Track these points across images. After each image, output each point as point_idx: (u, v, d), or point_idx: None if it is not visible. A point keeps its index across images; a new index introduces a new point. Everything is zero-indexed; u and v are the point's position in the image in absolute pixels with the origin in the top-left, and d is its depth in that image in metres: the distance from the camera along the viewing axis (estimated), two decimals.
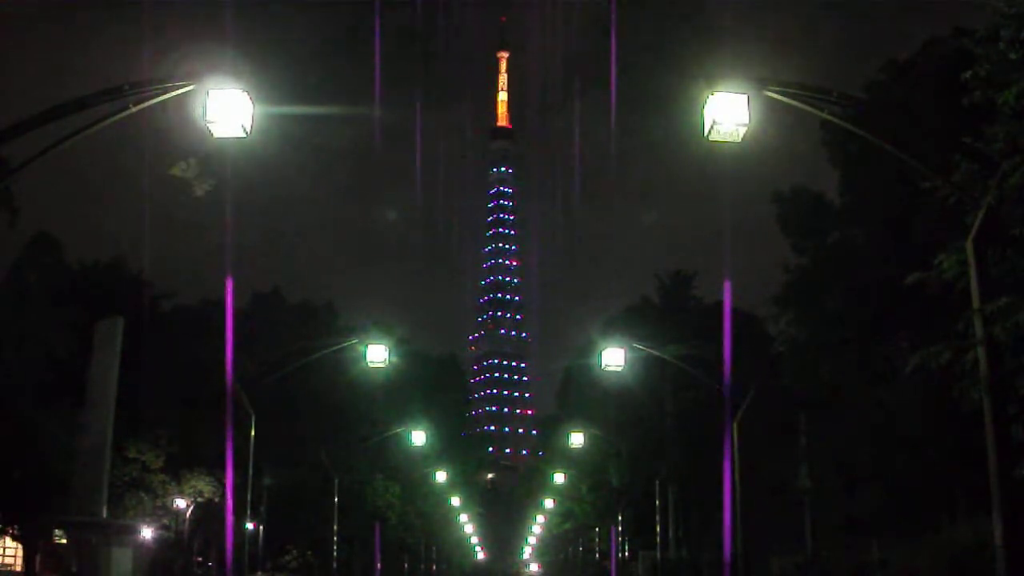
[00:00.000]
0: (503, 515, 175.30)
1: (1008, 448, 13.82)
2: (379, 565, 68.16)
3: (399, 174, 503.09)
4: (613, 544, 70.23)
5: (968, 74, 14.72)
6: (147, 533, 42.58)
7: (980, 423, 14.23)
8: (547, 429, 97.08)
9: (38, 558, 37.53)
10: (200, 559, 49.49)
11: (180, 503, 43.37)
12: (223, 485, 39.13)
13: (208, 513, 45.20)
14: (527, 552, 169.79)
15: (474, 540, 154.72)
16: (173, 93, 13.28)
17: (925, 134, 17.26)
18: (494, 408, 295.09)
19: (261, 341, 42.18)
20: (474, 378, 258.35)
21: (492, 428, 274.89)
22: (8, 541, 39.77)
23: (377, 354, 31.89)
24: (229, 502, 34.59)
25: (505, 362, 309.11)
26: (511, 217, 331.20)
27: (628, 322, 50.31)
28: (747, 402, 30.64)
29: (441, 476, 73.67)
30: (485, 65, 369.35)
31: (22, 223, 35.02)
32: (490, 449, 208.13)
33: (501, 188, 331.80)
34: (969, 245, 14.21)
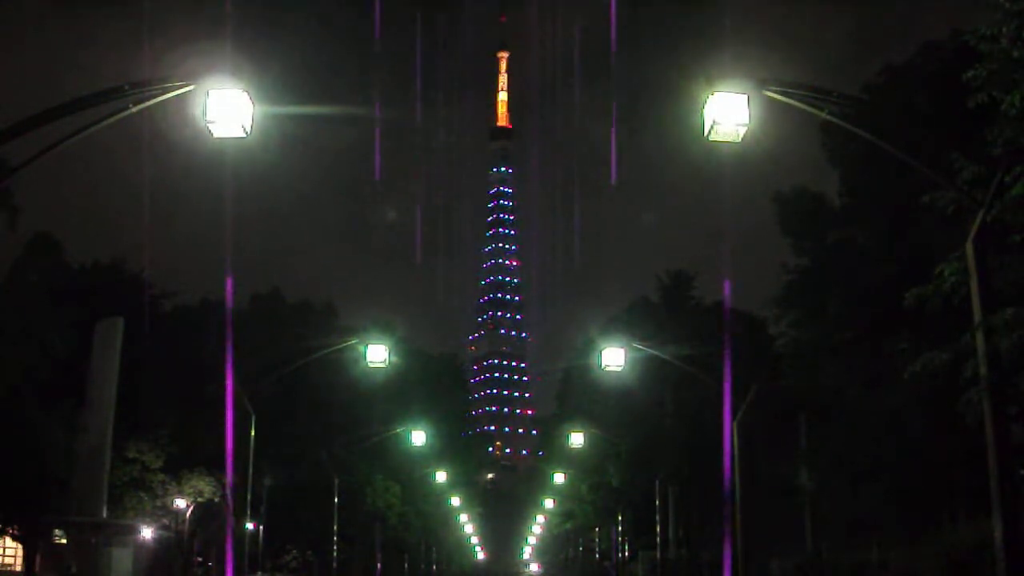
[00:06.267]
0: (503, 515, 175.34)
1: (1008, 448, 13.82)
2: (379, 565, 68.17)
3: (399, 174, 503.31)
4: (613, 544, 70.30)
5: (970, 74, 14.69)
6: (147, 533, 42.56)
7: (981, 424, 14.24)
8: (547, 429, 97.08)
9: (38, 558, 37.54)
10: (200, 559, 49.47)
11: (180, 503, 43.33)
12: (223, 485, 39.10)
13: (208, 513, 45.16)
14: (527, 552, 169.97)
15: (474, 540, 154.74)
16: (173, 93, 13.27)
17: (924, 135, 17.27)
18: (494, 408, 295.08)
19: (261, 341, 42.16)
20: (474, 378, 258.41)
21: (492, 428, 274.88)
22: (8, 541, 39.77)
23: (377, 354, 31.86)
24: (229, 502, 34.59)
25: (505, 362, 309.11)
26: (511, 217, 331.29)
27: (628, 322, 50.32)
28: (747, 402, 30.62)
29: (441, 476, 73.66)
30: (485, 65, 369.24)
31: (22, 223, 35.21)
32: (490, 449, 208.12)
33: (501, 188, 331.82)
34: (969, 246, 14.20)
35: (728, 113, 13.25)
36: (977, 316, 14.24)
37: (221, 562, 43.70)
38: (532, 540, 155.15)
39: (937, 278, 16.47)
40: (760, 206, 33.42)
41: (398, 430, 55.32)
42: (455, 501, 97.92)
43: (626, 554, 65.55)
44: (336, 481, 50.59)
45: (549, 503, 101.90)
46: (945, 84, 20.81)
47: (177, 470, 42.09)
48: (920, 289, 17.27)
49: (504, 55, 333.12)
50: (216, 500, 43.10)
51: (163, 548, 44.82)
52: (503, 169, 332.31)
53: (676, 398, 47.59)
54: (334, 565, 52.83)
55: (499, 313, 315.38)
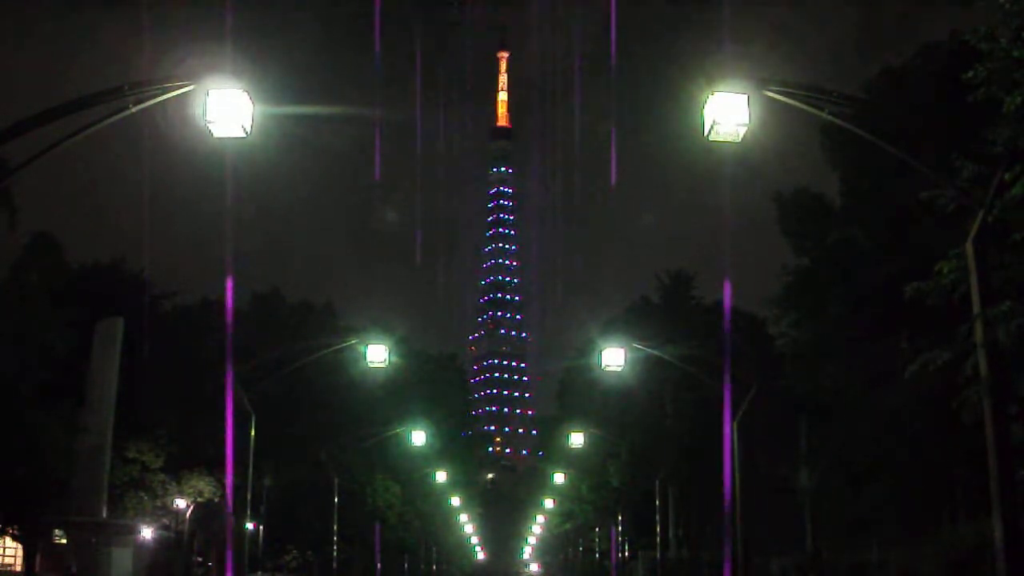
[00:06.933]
0: (503, 515, 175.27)
1: (1008, 449, 13.83)
2: (379, 565, 68.15)
3: (399, 174, 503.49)
4: (613, 544, 70.27)
5: (970, 74, 14.72)
6: (147, 533, 42.56)
7: (981, 424, 14.24)
8: (547, 429, 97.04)
9: (38, 558, 37.53)
10: (200, 559, 49.46)
11: (180, 503, 43.33)
12: (223, 485, 39.09)
13: (208, 513, 45.16)
14: (527, 552, 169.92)
15: (474, 540, 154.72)
16: (173, 93, 13.26)
17: (924, 135, 17.27)
18: (494, 408, 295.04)
19: (261, 341, 42.15)
20: (474, 378, 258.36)
21: (492, 428, 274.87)
22: (8, 541, 39.76)
23: (377, 354, 31.84)
24: (229, 502, 34.58)
25: (505, 362, 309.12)
26: (511, 217, 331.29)
27: (628, 322, 50.31)
28: (747, 402, 30.64)
29: (441, 476, 73.66)
30: (485, 65, 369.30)
31: (22, 223, 35.22)
32: (490, 449, 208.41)
33: (501, 188, 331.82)
34: (969, 246, 14.21)
35: (728, 113, 13.24)
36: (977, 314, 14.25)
37: (221, 562, 43.67)
38: (532, 540, 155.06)
39: (936, 275, 16.51)
40: (760, 206, 33.58)
41: (398, 430, 55.29)
42: (455, 501, 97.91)
43: (626, 554, 65.54)
44: (336, 481, 50.57)
45: (549, 503, 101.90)
46: (945, 84, 20.84)
47: (177, 470, 42.08)
48: (920, 284, 17.31)
49: (504, 55, 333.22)
50: (216, 500, 43.10)
51: (163, 548, 44.81)
52: (503, 169, 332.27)
53: (676, 398, 47.60)
54: (334, 565, 52.81)
55: (499, 313, 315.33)
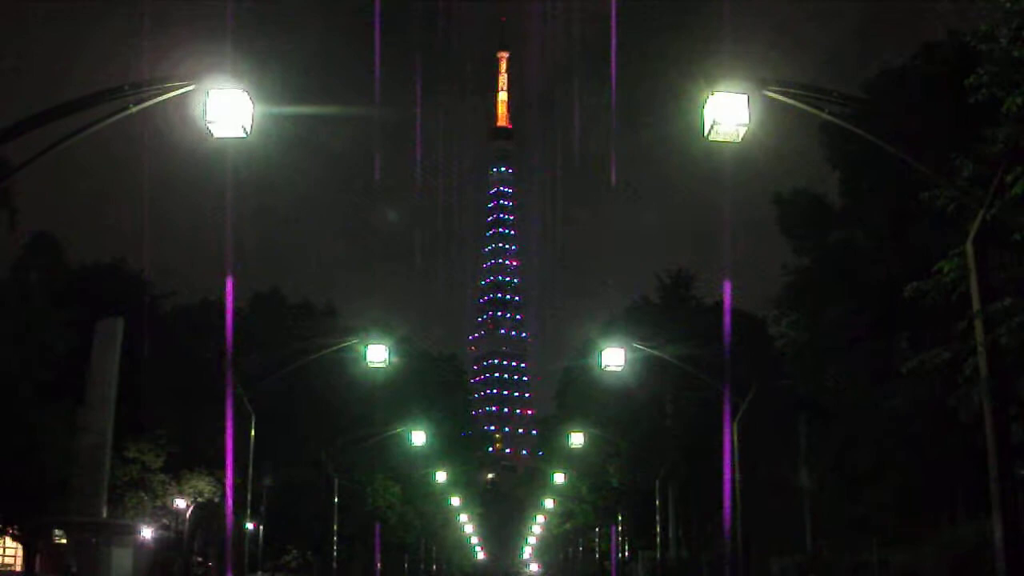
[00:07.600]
0: (503, 515, 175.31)
1: (1008, 449, 13.82)
2: (379, 565, 68.15)
3: (399, 174, 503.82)
4: (613, 544, 70.29)
5: (971, 79, 14.72)
6: (147, 533, 42.57)
7: (981, 424, 14.24)
8: (547, 429, 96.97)
9: (38, 558, 37.56)
10: (200, 559, 49.47)
11: (180, 503, 43.34)
12: (223, 485, 39.09)
13: (208, 513, 45.18)
14: (527, 552, 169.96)
15: (474, 540, 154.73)
16: (173, 93, 13.26)
17: (924, 135, 17.27)
18: (494, 408, 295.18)
19: (261, 341, 42.14)
20: (474, 378, 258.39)
21: (492, 428, 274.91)
22: (8, 541, 39.78)
23: (377, 354, 31.81)
24: (229, 502, 34.58)
25: (505, 362, 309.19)
26: (511, 217, 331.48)
27: (628, 322, 50.25)
28: (747, 402, 30.64)
29: (441, 476, 73.59)
30: (485, 65, 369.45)
31: (22, 223, 35.31)
32: (490, 449, 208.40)
33: (501, 188, 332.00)
34: (969, 247, 14.21)
35: (728, 113, 13.22)
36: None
37: (221, 562, 43.68)
38: (532, 540, 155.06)
39: (936, 275, 16.49)
40: (760, 206, 33.46)
41: (398, 430, 55.21)
42: (455, 501, 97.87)
43: (626, 554, 65.53)
44: (336, 481, 50.56)
45: (549, 503, 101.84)
46: (945, 84, 20.85)
47: (177, 470, 42.09)
48: (919, 283, 17.30)
49: (504, 55, 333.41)
50: (216, 500, 43.11)
51: (163, 548, 44.82)
52: (503, 169, 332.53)
53: (676, 398, 47.57)
54: (334, 565, 52.81)
55: (499, 313, 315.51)
